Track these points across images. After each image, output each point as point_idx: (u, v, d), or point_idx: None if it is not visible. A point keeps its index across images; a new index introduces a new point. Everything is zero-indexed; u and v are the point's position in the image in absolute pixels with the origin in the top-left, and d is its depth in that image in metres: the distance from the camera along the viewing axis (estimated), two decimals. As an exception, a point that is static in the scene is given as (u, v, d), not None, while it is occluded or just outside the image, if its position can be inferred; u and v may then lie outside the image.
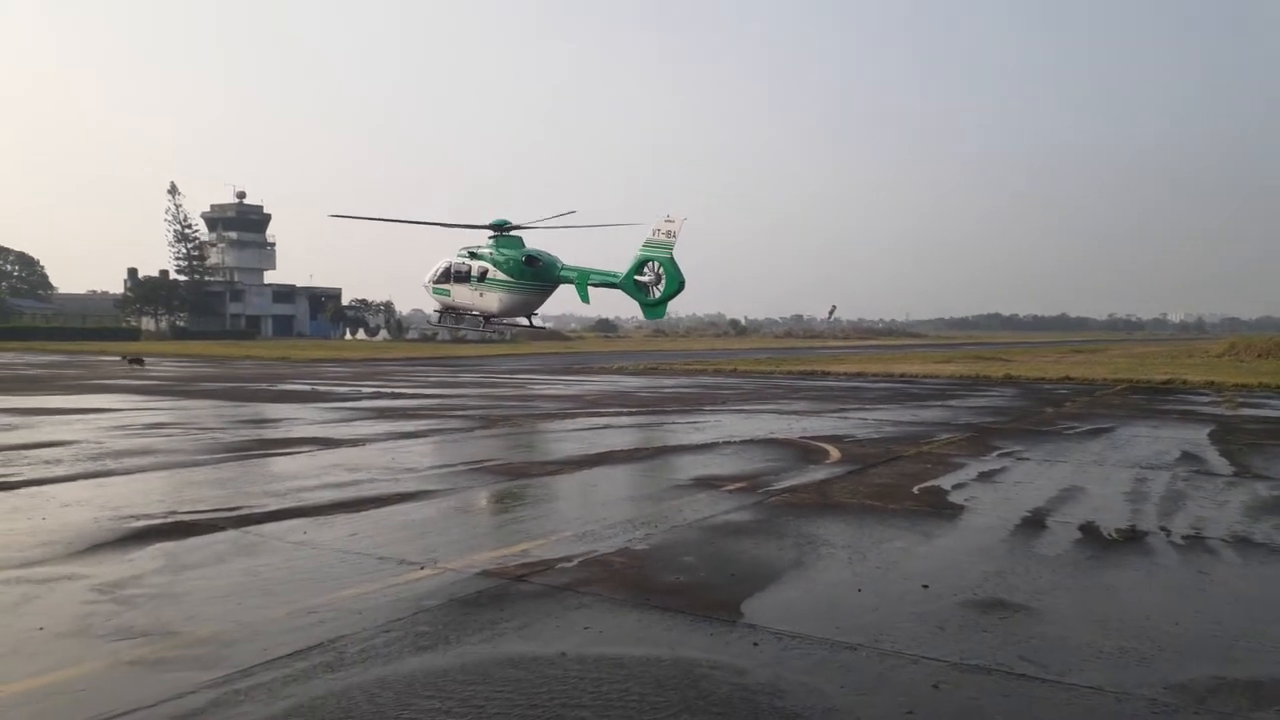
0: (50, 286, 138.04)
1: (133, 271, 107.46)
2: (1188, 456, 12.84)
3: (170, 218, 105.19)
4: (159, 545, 7.18)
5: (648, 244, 42.54)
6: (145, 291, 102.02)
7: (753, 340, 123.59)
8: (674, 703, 4.32)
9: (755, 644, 5.10)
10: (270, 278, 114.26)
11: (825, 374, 34.51)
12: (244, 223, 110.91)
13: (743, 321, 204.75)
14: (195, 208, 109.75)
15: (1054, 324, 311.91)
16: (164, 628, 5.23)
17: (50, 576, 6.32)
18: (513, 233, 46.22)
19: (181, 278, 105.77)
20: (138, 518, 8.18)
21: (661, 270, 43.08)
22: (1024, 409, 20.75)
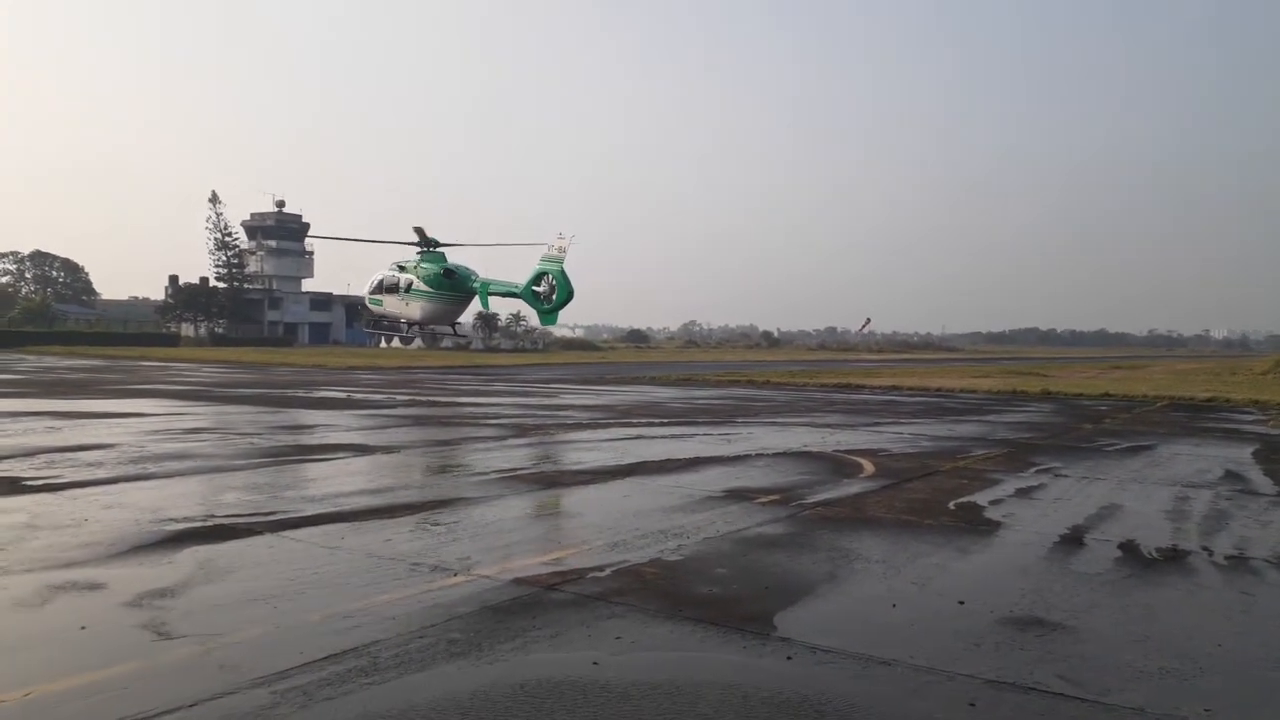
0: (94, 292, 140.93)
1: (174, 279, 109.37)
2: (1231, 475, 12.60)
3: (211, 226, 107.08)
4: (198, 548, 7.28)
5: (544, 259, 47.66)
6: (185, 298, 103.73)
7: (785, 352, 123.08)
8: (707, 716, 4.30)
9: (789, 657, 5.07)
10: (308, 285, 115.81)
11: (859, 387, 34.28)
12: (283, 231, 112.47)
13: (775, 333, 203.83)
14: (236, 216, 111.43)
15: (1093, 339, 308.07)
16: (202, 629, 5.30)
17: (92, 577, 6.43)
18: (439, 250, 52.05)
19: (221, 285, 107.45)
20: (177, 520, 8.30)
21: (554, 282, 48.05)
22: (1062, 425, 20.47)
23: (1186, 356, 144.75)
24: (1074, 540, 8.27)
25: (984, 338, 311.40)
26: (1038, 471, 12.63)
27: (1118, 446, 16.04)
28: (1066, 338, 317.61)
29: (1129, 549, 7.94)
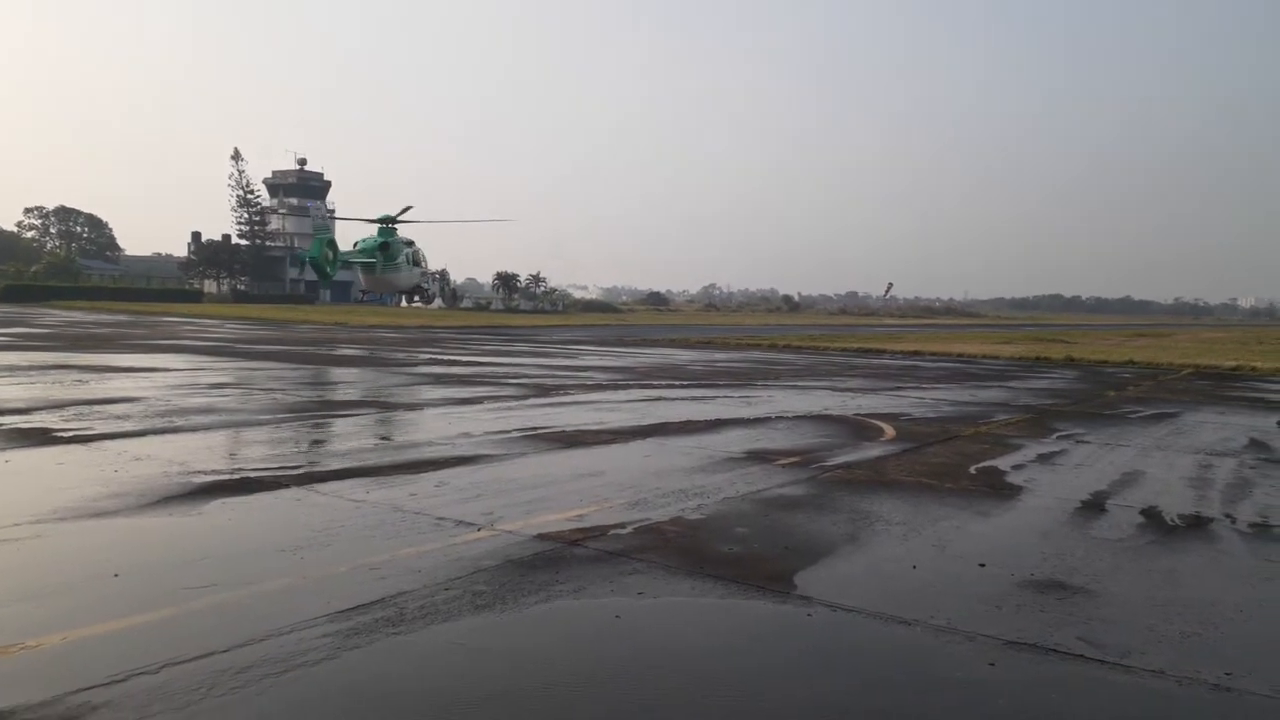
0: (117, 248, 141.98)
1: (196, 235, 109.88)
2: (1255, 444, 12.51)
3: (233, 183, 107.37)
4: (225, 499, 7.40)
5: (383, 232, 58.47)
6: (208, 255, 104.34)
7: (806, 317, 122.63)
8: (726, 669, 4.36)
9: (809, 615, 5.12)
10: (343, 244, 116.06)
11: (881, 352, 34.14)
12: (305, 189, 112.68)
13: (796, 298, 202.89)
14: (258, 174, 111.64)
15: (1117, 306, 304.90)
16: (232, 578, 5.40)
17: (124, 527, 6.55)
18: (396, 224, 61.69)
19: (243, 242, 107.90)
20: (204, 473, 8.42)
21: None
22: (1085, 391, 20.35)
23: (1213, 325, 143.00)
24: (1096, 506, 8.25)
25: (1007, 304, 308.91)
26: (1060, 437, 12.58)
27: (1141, 414, 15.94)
28: (1091, 304, 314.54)
29: (1151, 515, 7.92)
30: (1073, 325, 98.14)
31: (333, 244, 61.00)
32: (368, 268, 72.19)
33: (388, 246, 69.98)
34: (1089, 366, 29.30)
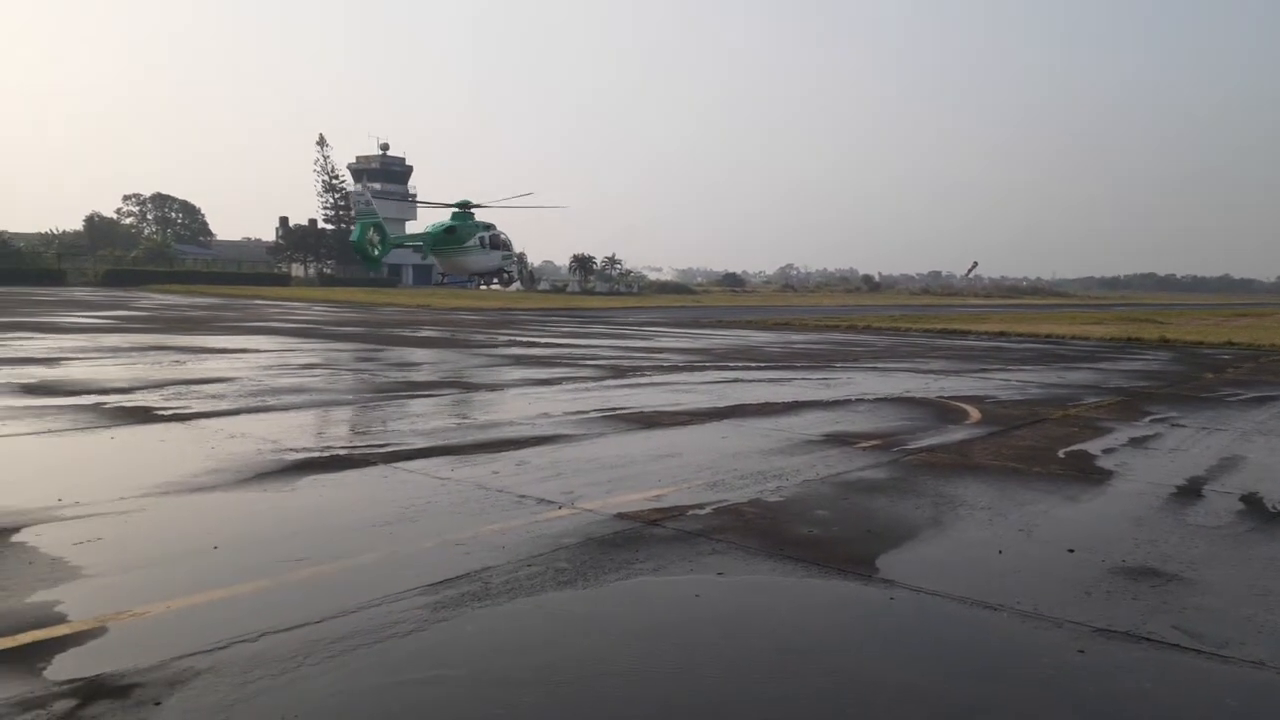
0: (210, 234, 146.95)
1: (284, 220, 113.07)
2: (1366, 429, 11.90)
3: (319, 168, 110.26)
4: (316, 476, 7.64)
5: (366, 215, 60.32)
6: (295, 239, 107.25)
7: (887, 297, 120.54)
8: (808, 648, 4.36)
9: (891, 599, 5.07)
10: (411, 228, 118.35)
11: (965, 333, 33.41)
12: (387, 174, 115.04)
13: (876, 278, 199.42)
14: (342, 159, 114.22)
15: (1215, 285, 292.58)
16: (325, 552, 5.58)
17: (221, 501, 6.83)
18: (473, 210, 63.27)
19: (329, 226, 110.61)
20: (296, 450, 8.70)
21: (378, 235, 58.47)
22: (1181, 374, 19.61)
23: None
24: (1192, 491, 7.97)
25: (1097, 283, 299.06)
26: (1153, 421, 12.17)
27: (1241, 397, 15.30)
28: (1187, 283, 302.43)
29: (1251, 502, 7.62)
30: (1167, 305, 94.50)
31: (380, 228, 61.53)
32: (437, 251, 73.67)
33: (454, 230, 71.20)
34: (1184, 348, 28.20)
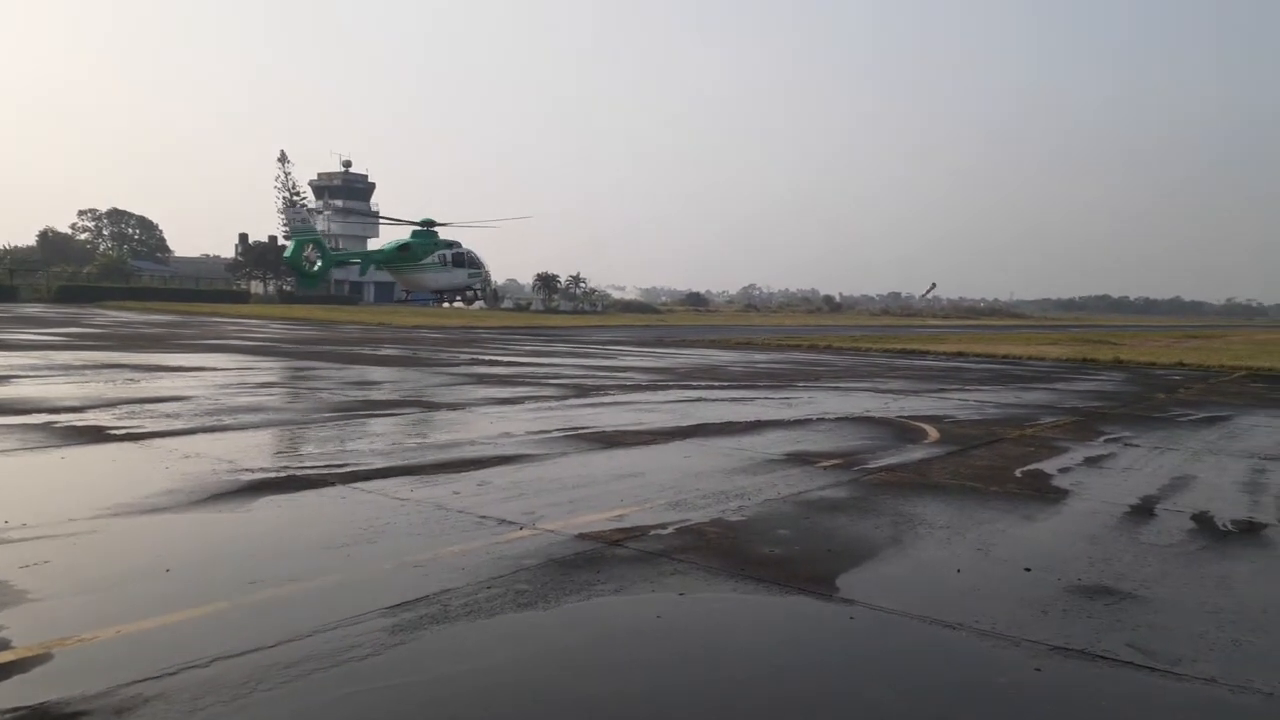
0: (167, 250, 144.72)
1: (243, 237, 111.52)
2: (1312, 449, 12.19)
3: (279, 185, 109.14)
4: (273, 497, 7.52)
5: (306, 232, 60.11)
6: (255, 256, 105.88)
7: (848, 317, 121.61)
8: (769, 670, 4.35)
9: (852, 618, 5.09)
10: (373, 245, 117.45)
11: (924, 353, 33.80)
12: (349, 191, 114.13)
13: (837, 298, 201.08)
14: (304, 176, 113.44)
15: (1167, 308, 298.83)
16: (280, 575, 5.49)
17: (175, 523, 6.69)
18: (436, 229, 63.65)
19: (289, 243, 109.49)
20: (252, 471, 8.57)
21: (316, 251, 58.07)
22: (1134, 394, 19.99)
23: (1266, 326, 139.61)
24: (1145, 510, 8.11)
25: (1053, 304, 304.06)
26: (1107, 441, 12.37)
27: (1192, 417, 15.62)
28: (1139, 305, 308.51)
29: (1202, 520, 7.76)
30: (1120, 326, 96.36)
31: (320, 244, 60.58)
32: (393, 269, 73.52)
33: (408, 248, 70.95)
34: (1137, 368, 28.76)
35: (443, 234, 77.23)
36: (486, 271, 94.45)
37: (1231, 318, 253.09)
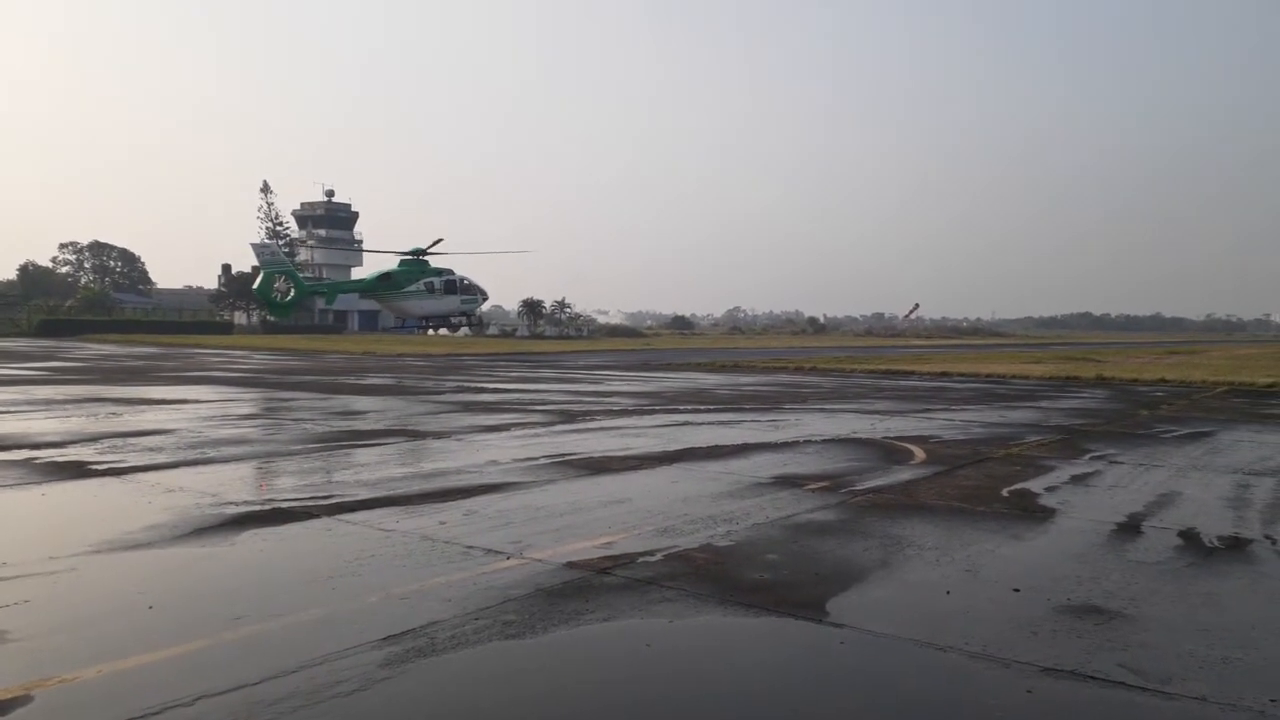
0: (150, 282, 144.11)
1: (226, 268, 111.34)
2: (1294, 463, 12.27)
3: (262, 215, 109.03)
4: (257, 530, 7.45)
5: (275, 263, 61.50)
6: (238, 287, 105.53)
7: (832, 338, 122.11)
8: (762, 695, 4.32)
9: (842, 642, 5.07)
10: (357, 274, 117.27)
11: (909, 373, 33.91)
12: (333, 220, 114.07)
13: (821, 319, 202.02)
14: (287, 205, 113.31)
15: (1148, 324, 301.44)
16: (265, 610, 5.43)
17: (158, 559, 6.62)
18: (424, 257, 65.27)
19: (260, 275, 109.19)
20: (236, 504, 8.49)
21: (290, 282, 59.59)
22: (1117, 411, 20.10)
23: (1246, 341, 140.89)
24: (1132, 528, 8.13)
25: (1036, 323, 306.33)
26: (1093, 458, 12.42)
27: (1175, 433, 15.71)
28: (1120, 322, 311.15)
29: (1189, 537, 7.79)
30: (1103, 343, 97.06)
31: (292, 275, 60.04)
32: (378, 298, 73.40)
33: (390, 276, 70.94)
34: (1120, 385, 28.94)
35: (435, 262, 77.19)
36: (483, 297, 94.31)
37: (1211, 333, 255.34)
